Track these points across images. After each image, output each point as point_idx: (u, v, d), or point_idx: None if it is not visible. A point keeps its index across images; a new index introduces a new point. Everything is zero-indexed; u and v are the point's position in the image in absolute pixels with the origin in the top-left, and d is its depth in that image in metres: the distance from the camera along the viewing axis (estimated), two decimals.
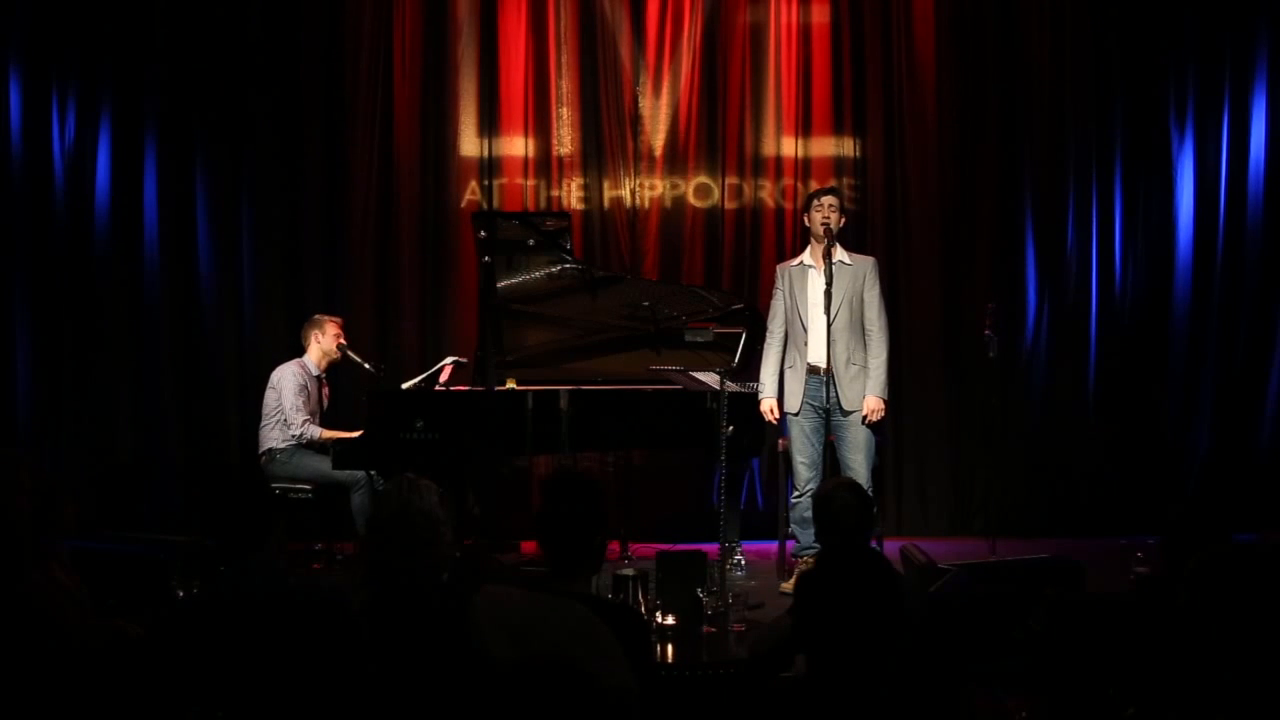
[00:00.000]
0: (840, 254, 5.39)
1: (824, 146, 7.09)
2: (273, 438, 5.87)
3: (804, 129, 7.05)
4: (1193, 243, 7.02)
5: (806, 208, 5.56)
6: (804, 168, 7.06)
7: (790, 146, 7.05)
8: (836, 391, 5.30)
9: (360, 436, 5.54)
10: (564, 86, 6.96)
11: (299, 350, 6.12)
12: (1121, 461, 6.97)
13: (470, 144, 7.00)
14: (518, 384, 5.80)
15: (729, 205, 7.05)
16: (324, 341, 6.03)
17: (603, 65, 6.97)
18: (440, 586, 2.83)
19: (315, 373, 6.03)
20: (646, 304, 5.98)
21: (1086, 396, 7.04)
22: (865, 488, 4.15)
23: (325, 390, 6.14)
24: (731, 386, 5.16)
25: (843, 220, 5.47)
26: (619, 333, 6.11)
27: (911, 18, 7.04)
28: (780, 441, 5.79)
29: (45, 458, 6.33)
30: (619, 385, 5.93)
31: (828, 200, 5.43)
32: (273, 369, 6.02)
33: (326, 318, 6.12)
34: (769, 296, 5.71)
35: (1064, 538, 6.48)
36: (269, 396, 5.92)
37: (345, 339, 6.11)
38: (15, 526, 2.98)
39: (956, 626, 3.85)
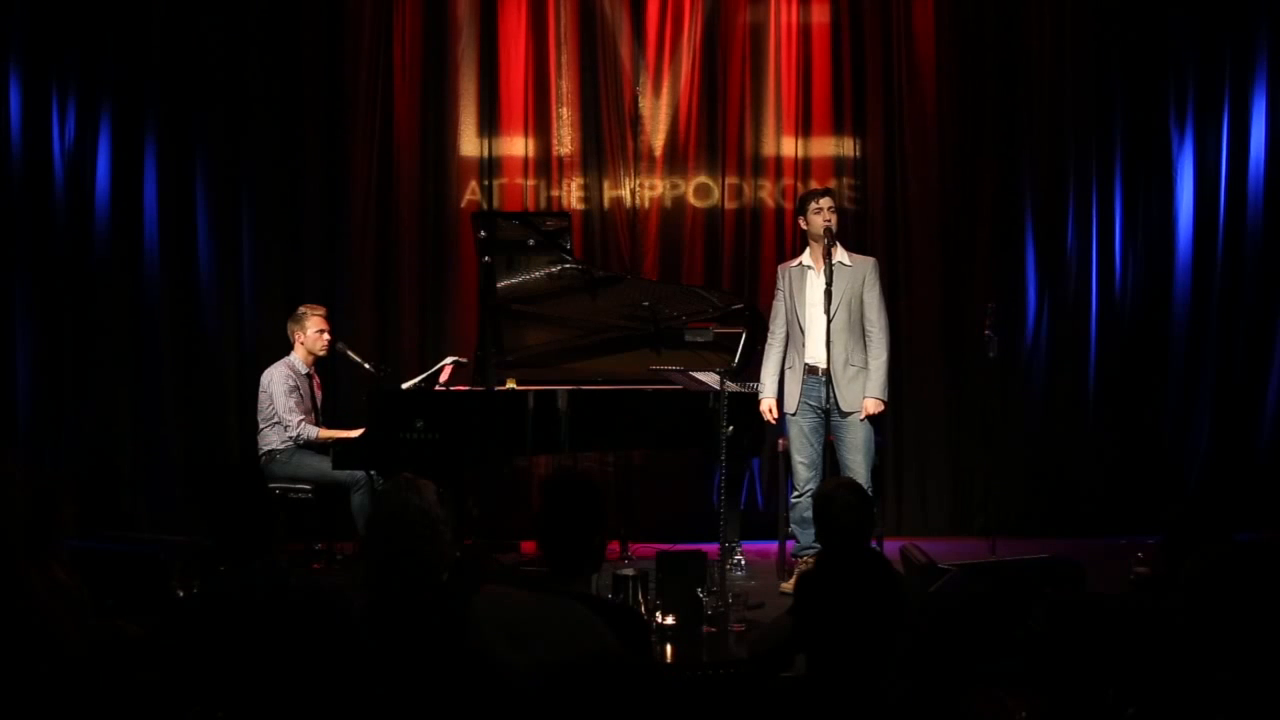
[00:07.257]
0: (840, 254, 5.39)
1: (824, 146, 7.09)
2: (272, 439, 5.86)
3: (804, 129, 7.05)
4: (1193, 243, 7.01)
5: (802, 210, 5.52)
6: (804, 168, 7.05)
7: (790, 146, 7.05)
8: (835, 392, 5.30)
9: (360, 436, 5.53)
10: (564, 86, 6.96)
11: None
12: (1121, 461, 6.97)
13: (470, 144, 6.99)
14: (518, 384, 5.80)
15: (729, 205, 7.05)
16: (307, 339, 5.96)
17: (603, 65, 6.97)
18: (440, 586, 2.83)
19: (304, 370, 5.98)
20: (646, 304, 5.98)
21: (1086, 396, 7.04)
22: (865, 488, 4.15)
23: (318, 385, 6.10)
24: (731, 386, 5.16)
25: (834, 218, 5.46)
26: (619, 333, 6.10)
27: (911, 18, 7.04)
28: (780, 441, 5.79)
29: (45, 458, 6.34)
30: (619, 385, 5.93)
31: (826, 202, 5.42)
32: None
33: (309, 310, 6.01)
34: (769, 296, 5.71)
35: (1064, 538, 6.48)
36: (261, 400, 5.90)
37: (332, 332, 6.03)
38: (10, 528, 2.97)
39: (956, 626, 3.85)
